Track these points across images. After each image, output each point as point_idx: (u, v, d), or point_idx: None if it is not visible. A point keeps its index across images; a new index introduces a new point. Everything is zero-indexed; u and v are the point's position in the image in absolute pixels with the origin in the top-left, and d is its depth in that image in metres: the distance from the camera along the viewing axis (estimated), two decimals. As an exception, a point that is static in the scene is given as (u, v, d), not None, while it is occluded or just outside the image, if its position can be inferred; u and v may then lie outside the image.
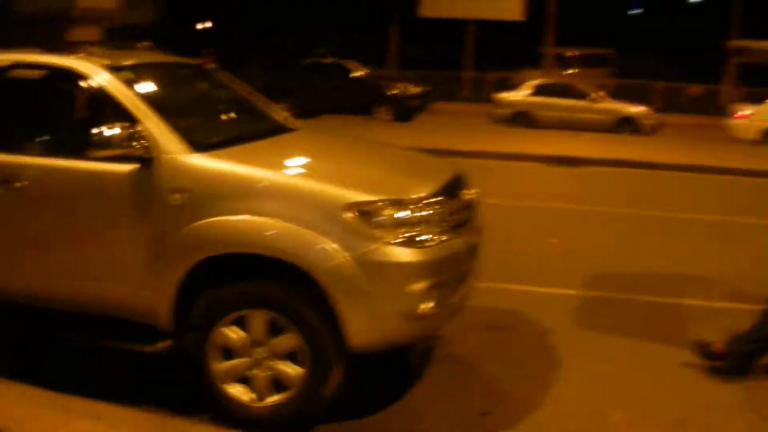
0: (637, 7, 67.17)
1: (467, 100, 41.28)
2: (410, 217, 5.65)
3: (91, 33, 25.83)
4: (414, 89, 31.66)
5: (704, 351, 7.27)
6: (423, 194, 5.84)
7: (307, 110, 26.33)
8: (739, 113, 27.93)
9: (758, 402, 6.77)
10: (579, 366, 7.32)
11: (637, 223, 13.90)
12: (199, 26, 58.18)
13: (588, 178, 19.69)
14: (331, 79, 30.38)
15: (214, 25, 58.13)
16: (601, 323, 8.59)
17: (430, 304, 5.61)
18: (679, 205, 15.99)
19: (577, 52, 44.05)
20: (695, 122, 34.29)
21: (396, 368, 7.05)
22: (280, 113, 7.97)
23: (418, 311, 5.55)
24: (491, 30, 43.09)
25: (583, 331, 8.36)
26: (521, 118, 29.39)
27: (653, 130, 28.75)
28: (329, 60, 33.11)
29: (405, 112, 30.17)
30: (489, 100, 32.00)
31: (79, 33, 25.14)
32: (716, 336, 7.40)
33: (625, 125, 28.78)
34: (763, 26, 29.38)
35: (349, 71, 31.35)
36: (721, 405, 6.69)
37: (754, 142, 26.43)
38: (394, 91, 30.52)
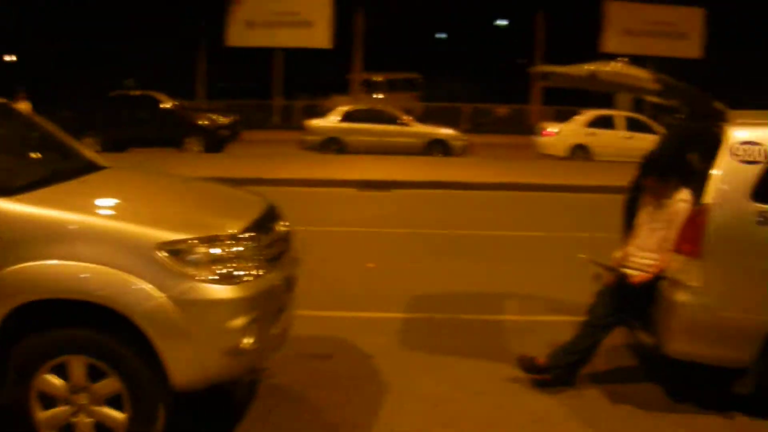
0: (441, 32, 68.42)
1: (278, 127, 41.29)
2: (224, 254, 5.61)
3: None
4: (224, 119, 31.46)
5: (527, 365, 7.42)
6: (235, 230, 5.81)
7: (115, 144, 26.03)
8: (547, 131, 28.89)
9: (584, 412, 6.97)
10: (406, 388, 7.37)
11: (453, 243, 14.12)
12: (6, 58, 56.79)
13: (401, 200, 19.91)
14: (140, 112, 29.76)
15: (19, 59, 56.69)
16: (424, 344, 8.68)
17: (251, 339, 5.56)
18: (494, 223, 16.37)
19: (384, 77, 44.69)
20: (505, 142, 35.33)
21: (222, 404, 6.92)
22: (89, 151, 7.77)
23: (239, 347, 5.49)
24: (299, 57, 43.27)
25: (407, 352, 8.42)
26: (332, 144, 29.47)
27: (464, 151, 29.35)
28: (137, 92, 32.55)
29: (216, 142, 29.93)
30: (299, 128, 31.99)
31: None
32: (539, 349, 7.58)
33: (437, 147, 29.26)
34: (566, 47, 30.31)
35: (157, 103, 30.78)
36: (548, 417, 6.86)
37: (563, 158, 27.36)
38: (204, 122, 30.23)
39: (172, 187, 7.58)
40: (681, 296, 6.82)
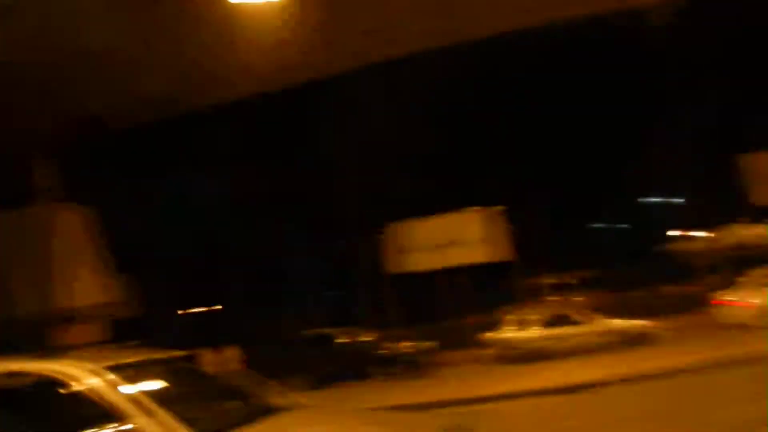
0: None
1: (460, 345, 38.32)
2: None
3: None
4: (409, 345, 30.66)
5: None
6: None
7: (322, 381, 27.61)
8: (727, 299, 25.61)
9: None
10: None
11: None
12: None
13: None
14: (321, 348, 30.48)
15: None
16: None
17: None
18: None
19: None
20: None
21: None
22: (274, 393, 8.48)
23: None
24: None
25: None
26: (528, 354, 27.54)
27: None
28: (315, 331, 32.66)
29: (407, 368, 29.10)
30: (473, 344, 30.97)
31: None
32: None
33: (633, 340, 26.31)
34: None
35: (332, 339, 31.30)
36: None
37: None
38: (384, 352, 30.19)
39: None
40: None
